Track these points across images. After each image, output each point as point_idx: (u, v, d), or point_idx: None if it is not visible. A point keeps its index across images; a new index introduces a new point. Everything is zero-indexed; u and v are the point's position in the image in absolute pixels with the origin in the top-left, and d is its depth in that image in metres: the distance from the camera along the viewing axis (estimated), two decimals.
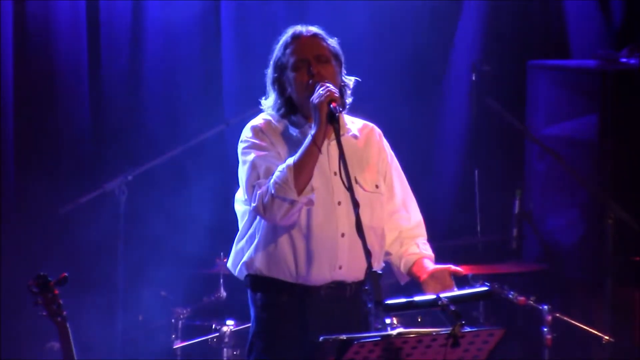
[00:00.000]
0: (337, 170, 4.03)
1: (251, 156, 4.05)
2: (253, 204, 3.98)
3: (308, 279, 4.06)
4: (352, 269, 4.09)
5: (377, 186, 4.17)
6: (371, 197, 4.13)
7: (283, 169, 3.94)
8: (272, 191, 3.92)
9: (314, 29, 4.15)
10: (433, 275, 4.05)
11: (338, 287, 4.10)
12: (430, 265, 4.13)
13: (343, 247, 4.07)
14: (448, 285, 3.99)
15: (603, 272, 6.15)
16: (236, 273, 4.20)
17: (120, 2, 6.78)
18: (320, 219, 4.05)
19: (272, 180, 3.94)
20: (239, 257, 4.17)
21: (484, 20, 6.99)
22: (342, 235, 4.06)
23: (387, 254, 4.24)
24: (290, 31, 4.16)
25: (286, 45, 4.13)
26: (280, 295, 4.09)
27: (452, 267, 4.03)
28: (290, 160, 3.94)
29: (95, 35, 6.74)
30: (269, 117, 4.18)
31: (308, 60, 4.08)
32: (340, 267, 4.07)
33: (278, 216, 3.95)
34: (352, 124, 4.24)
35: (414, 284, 4.17)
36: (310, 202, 3.96)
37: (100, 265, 6.48)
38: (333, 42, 4.16)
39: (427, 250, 4.22)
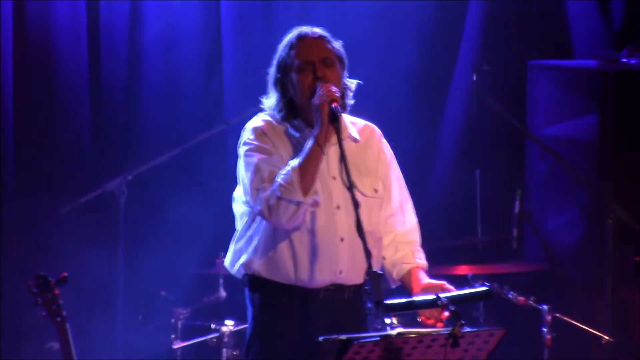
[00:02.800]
0: (335, 174, 4.04)
1: (254, 159, 4.03)
2: (258, 208, 3.97)
3: (308, 283, 4.06)
4: (352, 273, 4.09)
5: (376, 190, 4.17)
6: (370, 202, 4.12)
7: (287, 171, 3.93)
8: (278, 193, 3.91)
9: (319, 30, 4.13)
10: (425, 289, 4.04)
11: (337, 289, 4.10)
12: (424, 278, 4.12)
13: (343, 252, 4.06)
14: None
15: (603, 272, 6.15)
16: (233, 272, 4.20)
17: (120, 1, 6.78)
18: (319, 224, 4.04)
19: (277, 183, 3.93)
20: (237, 257, 4.16)
21: (485, 20, 6.99)
22: (342, 239, 4.06)
23: (382, 257, 4.24)
24: (295, 31, 4.13)
25: (291, 46, 4.09)
26: (279, 296, 4.09)
27: (446, 284, 4.03)
28: (294, 162, 3.94)
29: (95, 35, 6.73)
30: (269, 118, 4.16)
31: (313, 63, 4.05)
32: (340, 272, 4.07)
33: (284, 219, 3.94)
34: (353, 125, 4.23)
35: None
36: (315, 204, 3.96)
37: (100, 265, 6.47)
38: (337, 44, 4.14)
39: (421, 259, 4.21)
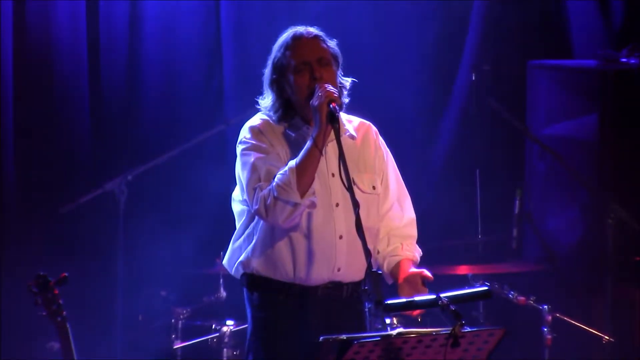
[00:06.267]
0: (334, 171, 4.04)
1: (251, 158, 4.03)
2: (255, 207, 3.97)
3: (306, 280, 4.07)
4: (350, 271, 4.09)
5: (374, 187, 4.17)
6: (368, 199, 4.13)
7: (285, 171, 3.93)
8: (275, 194, 3.91)
9: (314, 30, 4.13)
10: (407, 279, 4.04)
11: (335, 287, 4.11)
12: (408, 269, 4.11)
13: (341, 250, 4.07)
14: (420, 290, 3.98)
15: (603, 272, 6.14)
16: (232, 271, 4.20)
17: (119, 1, 6.78)
18: (318, 221, 4.05)
19: (274, 183, 3.93)
20: (236, 256, 4.17)
21: (484, 20, 6.99)
22: (340, 237, 4.06)
23: (376, 251, 4.24)
24: (290, 32, 4.12)
25: (287, 47, 4.09)
26: (277, 295, 4.09)
27: (424, 272, 4.02)
28: (292, 163, 3.94)
29: (94, 36, 6.74)
30: (266, 117, 4.17)
31: (310, 63, 4.05)
32: (339, 270, 4.08)
33: (281, 219, 3.94)
34: (349, 123, 4.23)
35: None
36: (312, 205, 3.96)
37: (100, 266, 6.48)
38: (332, 43, 4.14)
39: (410, 251, 4.20)
